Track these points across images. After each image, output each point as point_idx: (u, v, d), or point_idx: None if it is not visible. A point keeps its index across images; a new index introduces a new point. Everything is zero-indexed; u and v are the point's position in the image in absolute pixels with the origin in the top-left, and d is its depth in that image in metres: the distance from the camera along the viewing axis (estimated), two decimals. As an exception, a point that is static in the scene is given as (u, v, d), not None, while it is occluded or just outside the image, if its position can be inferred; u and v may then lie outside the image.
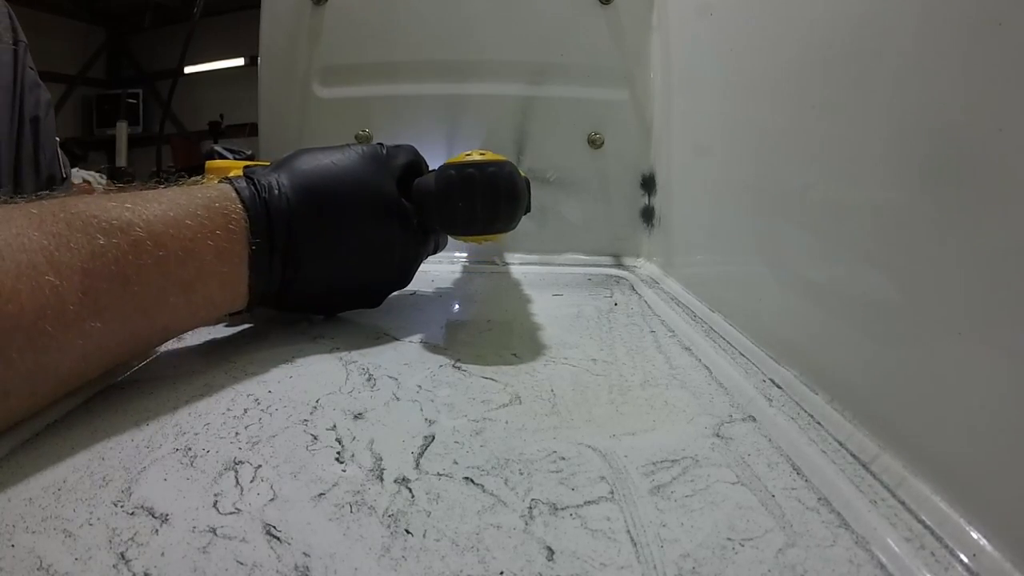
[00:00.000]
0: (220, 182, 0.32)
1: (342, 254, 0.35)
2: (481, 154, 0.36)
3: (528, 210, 0.38)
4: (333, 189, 0.35)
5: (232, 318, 0.37)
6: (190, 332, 0.33)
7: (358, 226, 0.35)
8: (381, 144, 0.38)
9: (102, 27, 4.45)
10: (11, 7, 0.56)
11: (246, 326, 0.37)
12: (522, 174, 0.37)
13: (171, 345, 0.33)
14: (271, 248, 0.32)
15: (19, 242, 0.22)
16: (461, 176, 0.34)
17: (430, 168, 0.40)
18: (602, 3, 0.58)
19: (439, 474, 0.22)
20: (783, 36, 0.33)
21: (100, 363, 0.26)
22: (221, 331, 0.36)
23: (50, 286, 0.22)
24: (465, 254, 0.61)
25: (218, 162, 0.44)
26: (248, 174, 0.34)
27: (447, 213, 0.35)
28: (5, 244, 0.22)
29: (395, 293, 0.41)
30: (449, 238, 0.42)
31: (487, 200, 0.35)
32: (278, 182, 0.33)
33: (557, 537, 0.19)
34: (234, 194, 0.31)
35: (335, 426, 0.25)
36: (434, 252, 0.42)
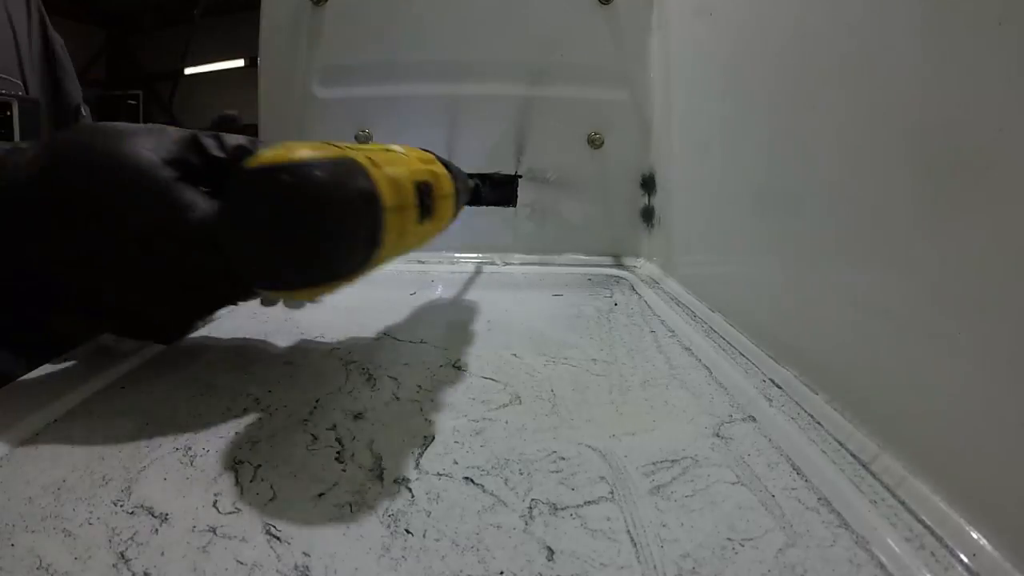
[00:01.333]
0: None
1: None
2: (284, 148, 0.21)
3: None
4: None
5: None
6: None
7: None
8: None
9: (102, 28, 4.45)
10: None
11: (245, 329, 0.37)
12: (372, 175, 0.22)
13: (171, 346, 0.33)
14: None
15: None
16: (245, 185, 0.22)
17: None
18: (602, 3, 0.58)
19: (439, 474, 0.22)
20: (783, 36, 0.33)
21: None
22: (221, 331, 0.36)
23: None
24: (465, 254, 0.61)
25: None
26: None
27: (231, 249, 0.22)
28: None
29: (395, 294, 0.40)
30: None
31: (289, 228, 0.21)
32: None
33: (557, 537, 0.19)
34: None
35: (335, 426, 0.25)
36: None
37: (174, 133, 0.26)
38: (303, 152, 0.21)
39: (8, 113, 0.53)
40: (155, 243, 0.24)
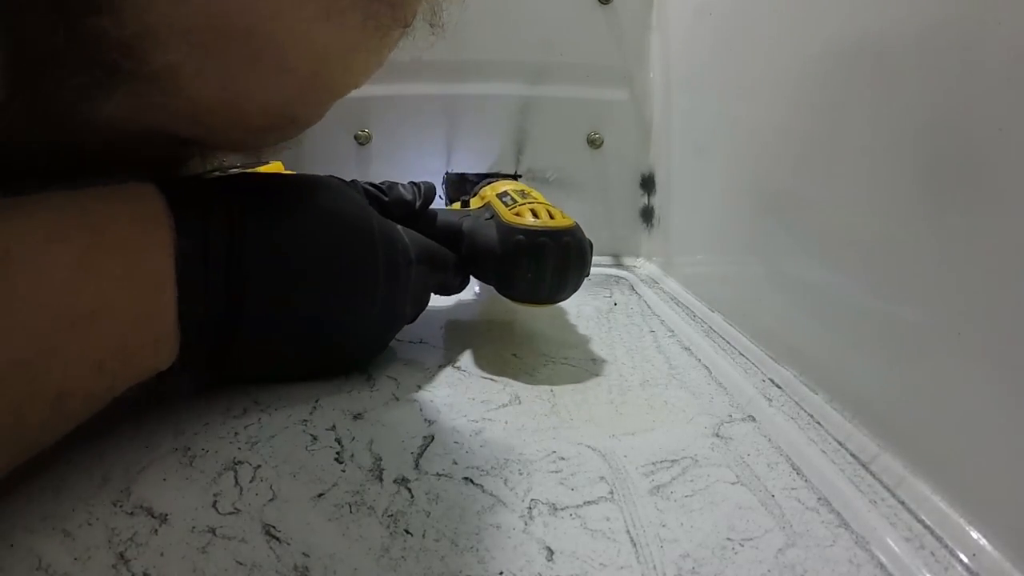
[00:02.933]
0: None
1: (312, 278, 0.26)
2: (538, 210, 0.33)
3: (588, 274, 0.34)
4: (301, 200, 0.27)
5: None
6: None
7: (332, 251, 0.26)
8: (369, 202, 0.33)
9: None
10: None
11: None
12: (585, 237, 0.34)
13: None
14: (205, 255, 0.23)
15: None
16: (533, 245, 0.31)
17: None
18: (601, 3, 0.58)
19: (438, 474, 0.22)
20: (782, 36, 0.33)
21: None
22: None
23: None
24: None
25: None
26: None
27: (509, 279, 0.32)
28: None
29: None
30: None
31: (558, 273, 0.32)
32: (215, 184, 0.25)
33: (556, 537, 0.19)
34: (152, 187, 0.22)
35: (335, 426, 0.25)
36: (414, 317, 0.33)
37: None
38: (568, 222, 0.33)
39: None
40: None
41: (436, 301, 0.47)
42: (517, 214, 0.33)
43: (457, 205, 0.43)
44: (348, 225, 0.27)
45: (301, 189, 0.27)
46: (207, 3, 0.17)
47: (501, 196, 0.37)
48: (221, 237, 0.23)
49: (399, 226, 0.31)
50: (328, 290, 0.26)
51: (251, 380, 0.28)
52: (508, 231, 0.32)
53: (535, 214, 0.33)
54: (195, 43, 0.18)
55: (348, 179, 0.32)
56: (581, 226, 0.34)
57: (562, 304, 0.45)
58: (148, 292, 0.21)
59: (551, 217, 0.33)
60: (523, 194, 0.37)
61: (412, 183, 0.36)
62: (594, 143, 0.60)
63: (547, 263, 0.31)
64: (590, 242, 0.34)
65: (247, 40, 0.18)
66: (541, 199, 0.36)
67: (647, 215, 0.60)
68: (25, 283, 0.17)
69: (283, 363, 0.28)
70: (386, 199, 0.34)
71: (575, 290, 0.33)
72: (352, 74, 0.23)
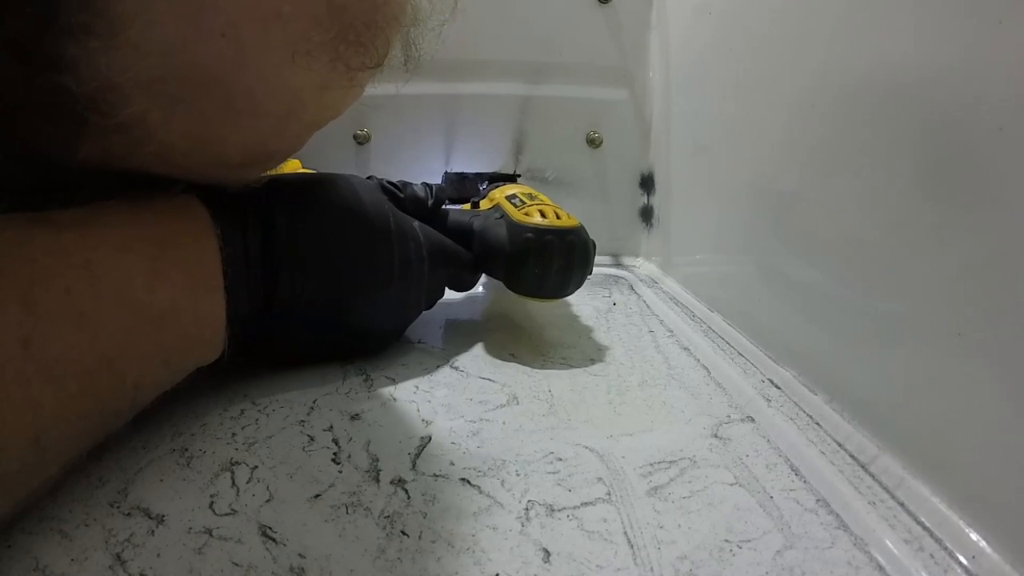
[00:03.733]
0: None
1: (333, 268, 0.28)
2: (546, 211, 0.35)
3: (591, 272, 0.36)
4: (325, 198, 0.29)
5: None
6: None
7: (351, 244, 0.29)
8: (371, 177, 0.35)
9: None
10: None
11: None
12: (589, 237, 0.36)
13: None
14: (246, 258, 0.25)
15: None
16: (540, 243, 0.33)
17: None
18: (601, 2, 0.58)
19: (435, 475, 0.22)
20: (782, 35, 0.33)
21: (57, 452, 0.18)
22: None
23: None
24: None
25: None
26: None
27: (517, 275, 0.34)
28: None
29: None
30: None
31: (563, 269, 0.34)
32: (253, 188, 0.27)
33: (554, 539, 0.18)
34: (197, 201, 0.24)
35: (332, 427, 0.25)
36: (429, 306, 0.35)
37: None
38: (563, 219, 0.35)
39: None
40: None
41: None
42: (526, 214, 0.35)
43: (467, 207, 0.44)
44: (367, 219, 0.30)
45: (325, 187, 0.30)
46: (168, 57, 0.17)
47: (510, 198, 0.38)
48: (256, 238, 0.26)
49: (416, 221, 0.33)
50: (348, 279, 0.29)
51: (278, 361, 0.31)
52: (518, 230, 0.34)
53: (543, 215, 0.35)
54: (161, 94, 0.18)
55: None
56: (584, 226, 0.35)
57: (560, 304, 0.45)
58: (204, 296, 0.23)
59: (558, 217, 0.35)
60: (531, 196, 0.39)
61: (424, 184, 0.37)
62: (593, 143, 0.60)
63: (553, 260, 0.33)
64: (593, 242, 0.36)
65: (215, 88, 0.19)
66: (548, 201, 0.38)
67: (646, 215, 0.60)
68: (109, 290, 0.19)
69: (308, 345, 0.30)
70: (402, 196, 0.35)
71: (578, 287, 0.35)
72: (329, 108, 0.24)
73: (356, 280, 0.29)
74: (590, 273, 0.36)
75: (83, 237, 0.19)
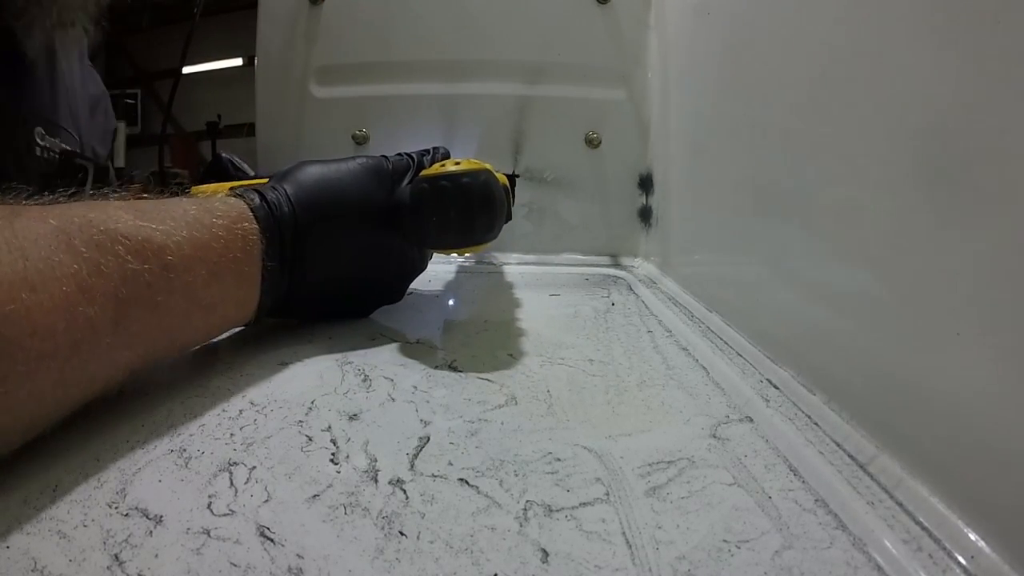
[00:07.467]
0: (232, 195, 0.32)
1: (343, 263, 0.36)
2: (456, 163, 0.34)
3: (509, 218, 0.36)
4: (336, 200, 0.35)
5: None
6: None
7: (358, 236, 0.35)
8: (385, 157, 0.38)
9: (99, 27, 4.44)
10: None
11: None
12: (502, 180, 0.36)
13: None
14: (280, 265, 0.32)
15: (50, 269, 0.20)
16: (434, 188, 0.33)
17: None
18: (599, 2, 0.58)
19: (434, 475, 0.22)
20: (781, 35, 0.33)
21: (117, 383, 0.25)
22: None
23: (84, 318, 0.21)
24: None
25: (210, 186, 0.41)
26: (257, 189, 0.33)
27: (419, 226, 0.34)
28: (37, 272, 0.20)
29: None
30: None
31: (461, 212, 0.33)
32: (285, 195, 0.33)
33: (552, 539, 0.18)
34: (249, 213, 0.31)
35: (330, 427, 0.25)
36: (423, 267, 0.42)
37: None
38: (464, 165, 0.34)
39: (82, 176, 0.52)
40: None
41: (434, 301, 0.47)
42: (433, 169, 0.34)
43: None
44: (371, 218, 0.36)
45: (338, 174, 0.36)
46: None
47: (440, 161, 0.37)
48: (287, 232, 0.32)
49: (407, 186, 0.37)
50: (359, 275, 0.37)
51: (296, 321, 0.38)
52: (416, 183, 0.34)
53: (443, 167, 0.34)
54: None
55: None
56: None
57: (559, 304, 0.45)
58: (248, 288, 0.31)
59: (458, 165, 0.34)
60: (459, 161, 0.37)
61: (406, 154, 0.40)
62: (592, 143, 0.60)
63: (449, 205, 0.33)
64: (502, 185, 0.35)
65: None
66: (479, 163, 0.35)
67: (645, 215, 0.60)
68: (180, 287, 0.26)
69: (317, 314, 0.39)
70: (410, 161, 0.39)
71: (490, 232, 0.35)
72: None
73: (364, 295, 0.39)
74: (507, 219, 0.35)
75: (158, 246, 0.25)
